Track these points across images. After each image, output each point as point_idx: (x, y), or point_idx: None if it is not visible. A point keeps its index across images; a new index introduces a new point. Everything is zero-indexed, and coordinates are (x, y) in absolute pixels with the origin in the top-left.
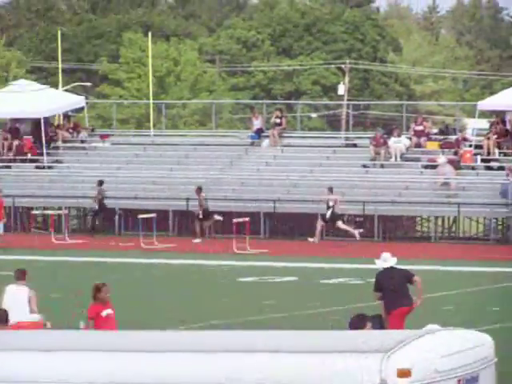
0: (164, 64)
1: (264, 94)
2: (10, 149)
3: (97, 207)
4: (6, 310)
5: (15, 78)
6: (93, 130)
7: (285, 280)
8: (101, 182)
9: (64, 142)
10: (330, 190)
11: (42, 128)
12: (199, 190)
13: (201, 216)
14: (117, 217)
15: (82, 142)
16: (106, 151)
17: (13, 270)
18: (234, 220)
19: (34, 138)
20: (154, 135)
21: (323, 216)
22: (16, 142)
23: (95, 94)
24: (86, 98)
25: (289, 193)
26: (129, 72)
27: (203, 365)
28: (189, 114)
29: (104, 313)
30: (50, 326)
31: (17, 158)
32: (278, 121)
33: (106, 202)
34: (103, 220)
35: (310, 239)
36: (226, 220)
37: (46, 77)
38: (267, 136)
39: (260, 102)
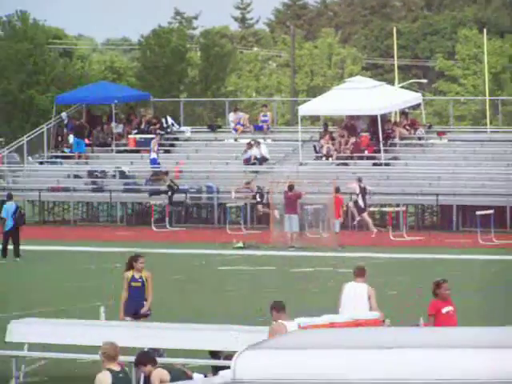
0: (499, 60)
1: None
2: (346, 145)
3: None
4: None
5: (350, 74)
6: (430, 127)
7: None
8: None
9: (401, 138)
10: None
11: (379, 125)
12: None
13: None
14: (454, 213)
15: (419, 138)
16: (442, 148)
17: (351, 267)
18: None
19: (371, 134)
20: (491, 132)
21: None
22: (353, 139)
23: (431, 90)
24: (422, 95)
25: None
26: (464, 69)
27: None
28: None
29: (444, 310)
30: (388, 324)
31: (354, 155)
32: None
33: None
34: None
35: None
36: None
37: (381, 74)
38: None
39: None
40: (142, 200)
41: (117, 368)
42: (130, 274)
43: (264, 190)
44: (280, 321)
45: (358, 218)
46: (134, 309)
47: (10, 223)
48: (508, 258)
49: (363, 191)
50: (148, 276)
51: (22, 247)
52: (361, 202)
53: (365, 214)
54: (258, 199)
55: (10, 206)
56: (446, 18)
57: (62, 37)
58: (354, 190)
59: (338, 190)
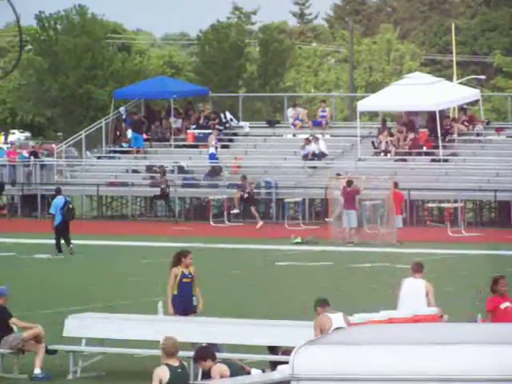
0: None
1: None
2: (404, 141)
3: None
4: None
5: (409, 70)
6: (488, 123)
7: None
8: None
9: (459, 135)
10: None
11: (438, 121)
12: None
13: None
14: None
15: (478, 135)
16: (501, 144)
17: (409, 263)
18: None
19: (430, 130)
20: None
21: None
22: (411, 135)
23: (489, 86)
24: (481, 91)
25: None
26: None
27: None
28: None
29: (502, 306)
30: (446, 320)
31: (412, 150)
32: None
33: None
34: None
35: None
36: None
37: (439, 70)
38: None
39: None
40: (200, 195)
41: (175, 363)
42: (179, 270)
43: (251, 188)
44: (325, 313)
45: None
46: (184, 305)
47: (58, 218)
48: None
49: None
50: (196, 271)
51: (80, 242)
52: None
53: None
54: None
55: (58, 201)
56: (504, 14)
57: (121, 31)
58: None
59: (397, 186)
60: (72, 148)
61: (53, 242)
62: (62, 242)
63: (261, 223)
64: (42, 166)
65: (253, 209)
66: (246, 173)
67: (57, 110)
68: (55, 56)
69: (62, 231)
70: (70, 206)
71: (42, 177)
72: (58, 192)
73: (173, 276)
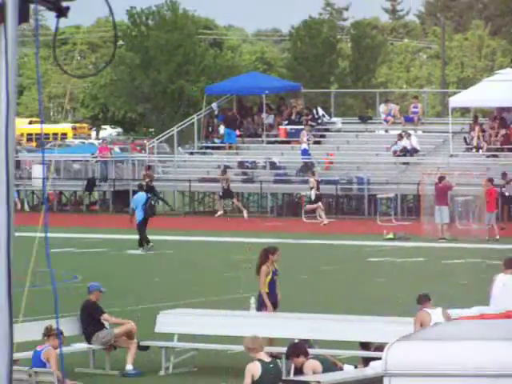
0: None
1: None
2: (496, 137)
3: None
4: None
5: (501, 66)
6: None
7: None
8: None
9: None
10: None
11: None
12: None
13: None
14: None
15: None
16: None
17: (502, 259)
18: None
19: None
20: None
21: None
22: (503, 131)
23: None
24: None
25: None
26: None
27: None
28: None
29: None
30: None
31: (504, 147)
32: None
33: None
34: None
35: None
36: None
37: None
38: None
39: None
40: (292, 191)
41: (267, 359)
42: (269, 267)
43: (224, 183)
44: (424, 309)
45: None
46: (273, 301)
47: (140, 214)
48: None
49: (317, 184)
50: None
51: (172, 238)
52: (313, 195)
53: (318, 204)
54: (221, 193)
55: (140, 197)
56: None
57: (213, 27)
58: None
59: (491, 182)
60: (164, 144)
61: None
62: (151, 237)
63: (245, 214)
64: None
65: (235, 201)
66: (339, 169)
67: (148, 106)
68: (147, 52)
69: (141, 227)
70: (152, 202)
71: (133, 172)
72: (141, 188)
73: (264, 274)
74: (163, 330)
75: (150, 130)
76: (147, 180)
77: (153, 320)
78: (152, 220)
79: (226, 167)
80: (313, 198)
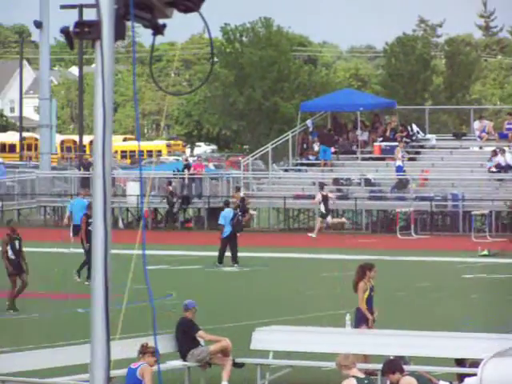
0: None
1: None
2: None
3: None
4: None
5: None
6: None
7: None
8: None
9: None
10: None
11: None
12: None
13: None
14: None
15: None
16: None
17: None
18: None
19: None
20: None
21: None
22: None
23: None
24: None
25: None
26: None
27: None
28: None
29: None
30: None
31: None
32: None
33: None
34: None
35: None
36: None
37: None
38: None
39: None
40: (387, 207)
41: (361, 375)
42: (366, 284)
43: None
44: None
45: (323, 225)
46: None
47: (228, 229)
48: None
49: (325, 198)
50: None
51: (266, 254)
52: (322, 209)
53: (328, 219)
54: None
55: (227, 213)
56: None
57: (307, 44)
58: (317, 199)
59: None
60: (259, 161)
61: (240, 254)
62: (228, 254)
63: None
64: (229, 179)
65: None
66: (434, 185)
67: (243, 123)
68: (241, 69)
69: (230, 243)
70: (240, 218)
71: (227, 189)
72: (227, 204)
73: (362, 291)
74: (258, 347)
75: (245, 146)
76: (235, 200)
77: (248, 337)
78: (246, 237)
79: (322, 184)
80: (323, 211)
